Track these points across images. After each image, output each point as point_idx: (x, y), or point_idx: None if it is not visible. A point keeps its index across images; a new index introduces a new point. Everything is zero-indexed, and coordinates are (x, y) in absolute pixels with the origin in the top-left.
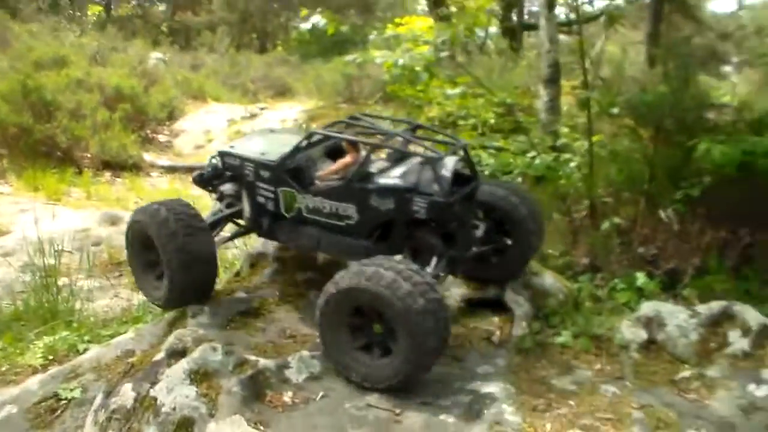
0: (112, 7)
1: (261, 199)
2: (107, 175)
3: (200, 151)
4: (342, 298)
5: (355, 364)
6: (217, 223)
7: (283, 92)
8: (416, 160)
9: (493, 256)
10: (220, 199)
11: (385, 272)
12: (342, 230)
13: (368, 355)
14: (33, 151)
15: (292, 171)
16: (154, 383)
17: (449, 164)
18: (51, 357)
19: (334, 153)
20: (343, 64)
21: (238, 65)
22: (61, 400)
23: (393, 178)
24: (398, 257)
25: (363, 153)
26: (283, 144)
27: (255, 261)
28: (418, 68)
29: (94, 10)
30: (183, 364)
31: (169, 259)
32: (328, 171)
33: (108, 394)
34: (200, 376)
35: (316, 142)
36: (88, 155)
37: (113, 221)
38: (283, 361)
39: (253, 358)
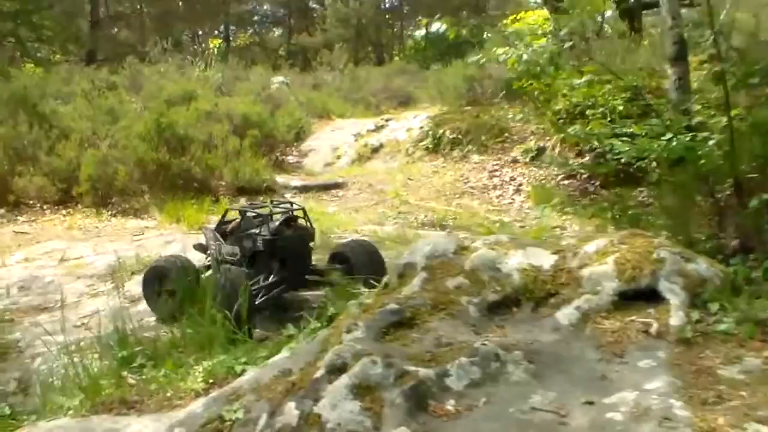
0: (231, 38)
1: (213, 251)
2: (242, 200)
3: (330, 169)
4: None
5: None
6: (208, 268)
7: (405, 101)
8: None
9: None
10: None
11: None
12: (235, 263)
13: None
14: (171, 184)
15: (220, 233)
16: (316, 400)
17: (277, 220)
18: (211, 380)
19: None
20: (464, 66)
21: (358, 79)
22: (225, 421)
23: (250, 230)
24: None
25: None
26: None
27: (403, 271)
28: (542, 61)
29: (215, 43)
30: (344, 380)
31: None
32: (229, 229)
33: (272, 414)
34: (362, 389)
35: (229, 220)
36: (223, 183)
37: None
38: (442, 369)
39: (412, 368)
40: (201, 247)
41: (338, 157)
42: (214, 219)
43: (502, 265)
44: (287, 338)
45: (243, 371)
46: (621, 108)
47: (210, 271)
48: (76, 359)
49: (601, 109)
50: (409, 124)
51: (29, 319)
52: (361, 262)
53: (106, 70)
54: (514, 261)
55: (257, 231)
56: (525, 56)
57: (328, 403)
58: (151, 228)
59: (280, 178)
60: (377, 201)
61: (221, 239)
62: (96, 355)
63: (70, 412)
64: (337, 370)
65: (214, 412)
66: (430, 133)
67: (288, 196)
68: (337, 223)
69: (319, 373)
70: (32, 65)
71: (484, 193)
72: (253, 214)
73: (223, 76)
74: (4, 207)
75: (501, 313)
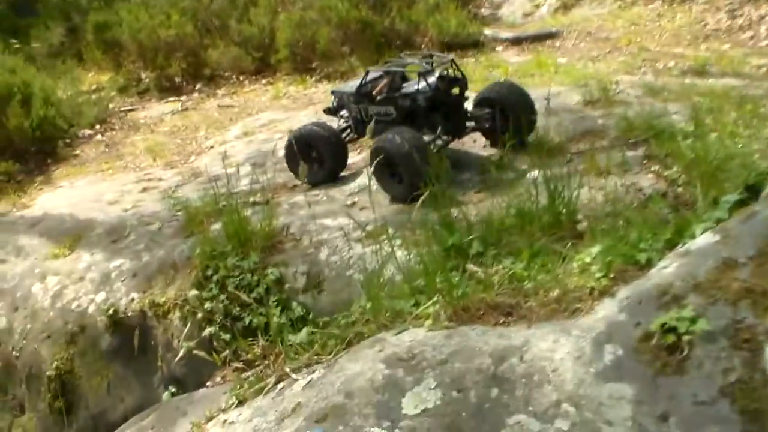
0: None
1: (354, 113)
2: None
3: (531, 19)
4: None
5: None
6: (343, 131)
7: None
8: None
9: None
10: (340, 119)
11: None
12: (390, 122)
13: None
14: (374, 44)
15: (363, 94)
16: None
17: (435, 73)
18: (612, 275)
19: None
20: None
21: None
22: (681, 334)
23: (408, 87)
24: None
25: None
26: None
27: None
28: None
29: None
30: None
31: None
32: (377, 90)
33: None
34: None
35: (372, 78)
36: (426, 39)
37: None
38: None
39: None
40: (332, 111)
41: (537, 6)
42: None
43: None
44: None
45: (649, 260)
46: None
47: (349, 133)
48: (389, 249)
49: None
50: None
51: (283, 199)
52: (510, 104)
53: None
54: None
55: (416, 88)
56: None
57: None
58: None
59: (488, 31)
60: (609, 49)
61: (366, 100)
62: (398, 243)
63: (428, 322)
64: None
65: (648, 319)
66: None
67: (499, 49)
68: (582, 74)
69: None
70: None
71: (731, 35)
72: (401, 71)
73: None
74: (200, 81)
75: None
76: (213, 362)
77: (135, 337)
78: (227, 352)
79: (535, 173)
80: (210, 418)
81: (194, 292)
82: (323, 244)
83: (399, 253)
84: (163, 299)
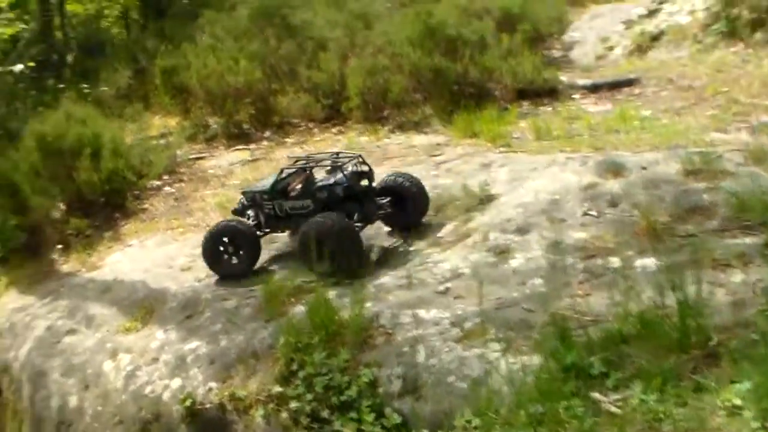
0: None
1: (267, 210)
2: (525, 105)
3: (604, 62)
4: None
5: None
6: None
7: None
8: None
9: (398, 214)
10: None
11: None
12: (307, 215)
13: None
14: (447, 92)
15: (279, 191)
16: None
17: (348, 168)
18: None
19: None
20: None
21: None
22: None
23: (323, 182)
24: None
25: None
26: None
27: None
28: None
29: None
30: None
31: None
32: (291, 186)
33: None
34: None
35: (286, 175)
36: (500, 86)
37: (615, 170)
38: None
39: None
40: (239, 212)
41: (610, 49)
42: (515, 132)
43: None
44: None
45: None
46: None
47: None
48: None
49: None
50: (691, 5)
51: (366, 279)
52: (408, 193)
53: None
54: None
55: (332, 181)
56: None
57: None
58: (443, 145)
59: (563, 76)
60: (694, 100)
61: (281, 196)
62: (500, 346)
63: None
64: None
65: None
66: (722, 13)
67: (576, 96)
68: (672, 132)
69: None
70: None
71: None
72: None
73: None
74: (269, 128)
75: None
76: None
77: (215, 430)
78: None
79: (646, 261)
80: None
81: (278, 388)
82: (419, 341)
83: (504, 362)
84: (245, 393)
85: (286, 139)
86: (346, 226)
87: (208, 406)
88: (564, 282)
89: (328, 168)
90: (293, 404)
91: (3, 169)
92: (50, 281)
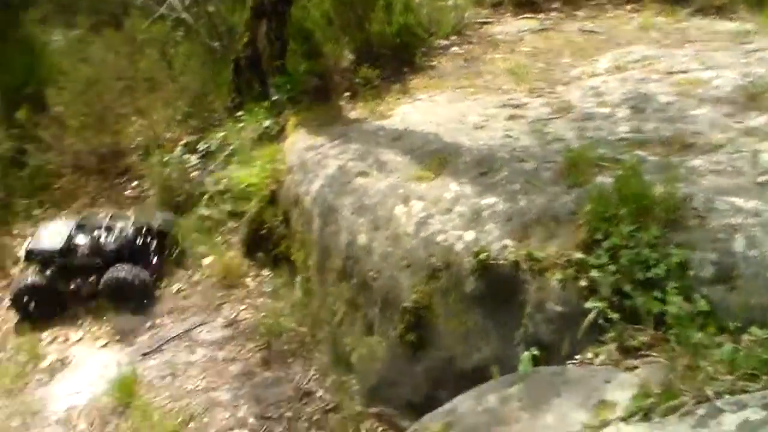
0: None
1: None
2: None
3: None
4: None
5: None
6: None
7: None
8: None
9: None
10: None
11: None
12: (97, 269)
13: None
14: None
15: (68, 250)
16: None
17: (129, 225)
18: None
19: None
20: None
21: None
22: None
23: (108, 239)
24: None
25: None
26: None
27: None
28: None
29: None
30: None
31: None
32: (82, 247)
33: None
34: None
35: (69, 236)
36: None
37: None
38: None
39: None
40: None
41: None
42: None
43: None
44: None
45: None
46: None
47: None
48: None
49: None
50: None
51: (678, 158)
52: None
53: None
54: None
55: (116, 237)
56: None
57: None
58: (753, 32)
59: None
60: None
61: (72, 254)
62: None
63: None
64: None
65: None
66: None
67: None
68: None
69: None
70: None
71: None
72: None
73: None
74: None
75: None
76: (585, 335)
77: (504, 287)
78: (612, 333)
79: None
80: (605, 424)
81: (579, 255)
82: (736, 230)
83: None
84: (542, 254)
85: (576, 13)
86: (140, 276)
87: (501, 262)
88: None
89: (108, 225)
90: (594, 273)
91: (297, 16)
92: (339, 125)
